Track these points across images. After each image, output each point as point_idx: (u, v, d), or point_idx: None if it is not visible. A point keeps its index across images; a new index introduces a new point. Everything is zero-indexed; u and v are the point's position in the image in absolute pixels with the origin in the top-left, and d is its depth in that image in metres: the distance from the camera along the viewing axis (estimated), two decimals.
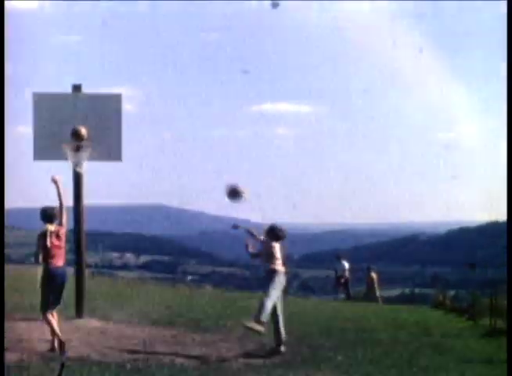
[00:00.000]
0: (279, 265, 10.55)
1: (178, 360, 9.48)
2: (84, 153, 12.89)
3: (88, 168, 13.06)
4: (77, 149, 12.84)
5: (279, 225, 10.85)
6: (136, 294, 18.53)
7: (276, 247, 10.63)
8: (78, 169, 13.00)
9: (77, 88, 13.33)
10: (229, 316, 14.20)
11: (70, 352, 9.30)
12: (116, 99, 13.35)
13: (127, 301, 16.10)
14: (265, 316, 10.20)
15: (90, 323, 12.54)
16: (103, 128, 13.06)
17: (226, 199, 11.07)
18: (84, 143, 12.76)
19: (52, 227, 9.93)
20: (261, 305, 10.23)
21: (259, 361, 9.76)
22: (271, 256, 10.54)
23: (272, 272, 10.45)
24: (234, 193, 10.90)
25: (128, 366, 8.81)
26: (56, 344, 9.54)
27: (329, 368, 9.40)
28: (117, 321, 12.93)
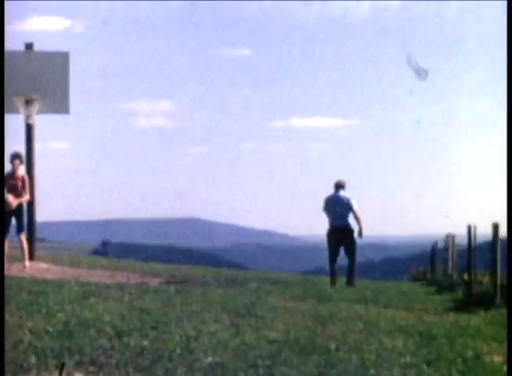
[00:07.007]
0: None
1: None
2: (35, 107, 13.96)
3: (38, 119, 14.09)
4: (28, 103, 13.91)
5: None
6: None
7: None
8: (30, 121, 14.04)
9: (29, 46, 14.34)
10: None
11: None
12: (63, 57, 14.40)
13: None
14: None
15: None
16: (52, 83, 14.10)
17: None
18: (34, 97, 13.84)
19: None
20: None
21: None
22: None
23: None
24: None
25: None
26: None
27: None
28: None
